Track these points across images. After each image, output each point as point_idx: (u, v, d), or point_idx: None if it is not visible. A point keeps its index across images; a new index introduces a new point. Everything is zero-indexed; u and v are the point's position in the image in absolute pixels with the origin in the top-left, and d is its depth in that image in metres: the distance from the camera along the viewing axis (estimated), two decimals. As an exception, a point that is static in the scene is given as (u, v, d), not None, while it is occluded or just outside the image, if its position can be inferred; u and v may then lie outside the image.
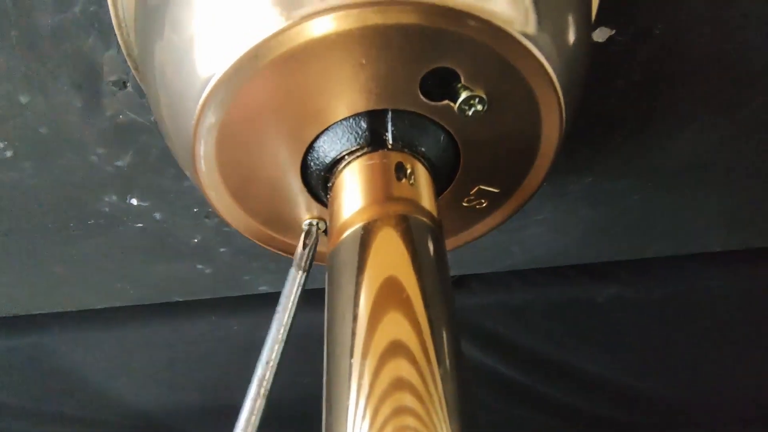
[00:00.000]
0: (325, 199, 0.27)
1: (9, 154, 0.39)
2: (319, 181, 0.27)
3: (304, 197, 0.28)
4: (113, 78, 0.35)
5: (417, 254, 0.23)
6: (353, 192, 0.25)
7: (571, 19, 0.25)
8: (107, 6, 0.30)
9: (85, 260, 0.50)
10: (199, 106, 0.22)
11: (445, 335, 0.22)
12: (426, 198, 0.25)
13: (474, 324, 0.66)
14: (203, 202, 0.29)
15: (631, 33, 0.36)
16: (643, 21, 0.36)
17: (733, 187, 0.50)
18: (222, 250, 0.50)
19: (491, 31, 0.22)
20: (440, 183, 0.28)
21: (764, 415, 0.73)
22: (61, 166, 0.40)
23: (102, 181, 0.42)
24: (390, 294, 0.22)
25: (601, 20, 0.36)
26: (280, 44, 0.21)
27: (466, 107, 0.24)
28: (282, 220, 0.30)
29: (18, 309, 0.55)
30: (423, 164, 0.26)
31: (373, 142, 0.25)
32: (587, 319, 0.66)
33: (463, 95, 0.23)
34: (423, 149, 0.25)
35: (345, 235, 0.24)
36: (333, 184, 0.26)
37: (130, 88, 0.36)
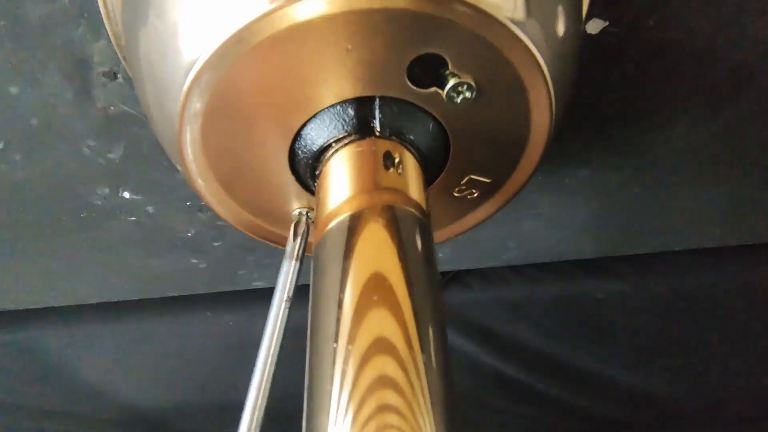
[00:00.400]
0: (313, 188, 0.27)
1: (0, 145, 0.39)
2: (308, 170, 0.26)
3: (293, 186, 0.28)
4: (104, 69, 0.35)
5: (404, 246, 0.23)
6: (340, 181, 0.25)
7: (561, 7, 0.25)
8: (95, -5, 0.29)
9: (77, 254, 0.50)
10: (184, 92, 0.22)
11: (431, 329, 0.21)
12: (414, 188, 0.25)
13: (470, 320, 0.65)
14: (196, 195, 0.29)
15: (625, 25, 0.36)
16: (637, 12, 0.36)
17: (731, 181, 0.50)
18: (216, 244, 0.50)
19: (479, 16, 0.22)
20: (430, 173, 0.28)
21: (764, 412, 0.73)
22: (53, 158, 0.40)
23: (94, 173, 0.42)
24: (375, 287, 0.21)
25: (595, 12, 0.35)
26: (265, 28, 0.21)
27: (455, 94, 0.23)
28: (272, 210, 0.30)
29: (10, 304, 0.55)
30: (412, 153, 0.26)
31: (360, 129, 0.25)
32: (585, 314, 0.66)
33: (451, 82, 0.23)
34: (411, 137, 0.25)
35: (331, 225, 0.24)
36: (320, 172, 0.26)
37: (120, 79, 0.36)
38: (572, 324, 0.67)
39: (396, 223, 0.23)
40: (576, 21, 0.28)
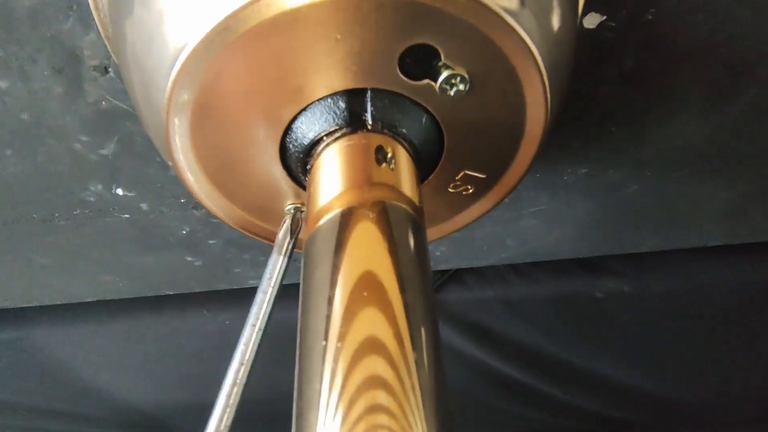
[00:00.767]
0: (305, 183, 0.27)
1: (-10, 141, 0.39)
2: (299, 164, 0.26)
3: (285, 181, 0.27)
4: (94, 63, 0.35)
5: (395, 243, 0.22)
6: (331, 176, 0.24)
7: (556, -2, 0.25)
8: (84, -13, 0.29)
9: (71, 252, 0.49)
10: (170, 83, 0.22)
11: (422, 329, 0.21)
12: (407, 184, 0.25)
13: (469, 318, 0.65)
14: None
15: (623, 19, 0.36)
16: (634, 7, 0.35)
17: (731, 179, 0.49)
18: (211, 241, 0.50)
19: (472, 5, 0.21)
20: (424, 168, 0.27)
21: (764, 412, 0.73)
22: (44, 153, 0.40)
23: (86, 169, 0.41)
24: (366, 285, 0.21)
25: (592, 6, 0.35)
26: (252, 16, 0.20)
27: (448, 86, 0.23)
28: (263, 206, 0.29)
29: (2, 302, 0.55)
30: (404, 147, 0.25)
31: (352, 122, 0.24)
32: (584, 313, 0.65)
33: (444, 74, 0.23)
34: (404, 131, 0.25)
35: (322, 221, 0.23)
36: (311, 167, 0.25)
37: (112, 73, 0.35)
38: (570, 323, 0.67)
39: (388, 220, 0.23)
40: (571, 12, 0.27)
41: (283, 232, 0.28)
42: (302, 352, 0.21)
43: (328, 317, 0.20)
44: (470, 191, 0.30)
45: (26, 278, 0.52)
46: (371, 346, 0.19)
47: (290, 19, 0.20)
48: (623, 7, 0.35)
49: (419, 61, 0.23)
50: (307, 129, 0.24)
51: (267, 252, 0.51)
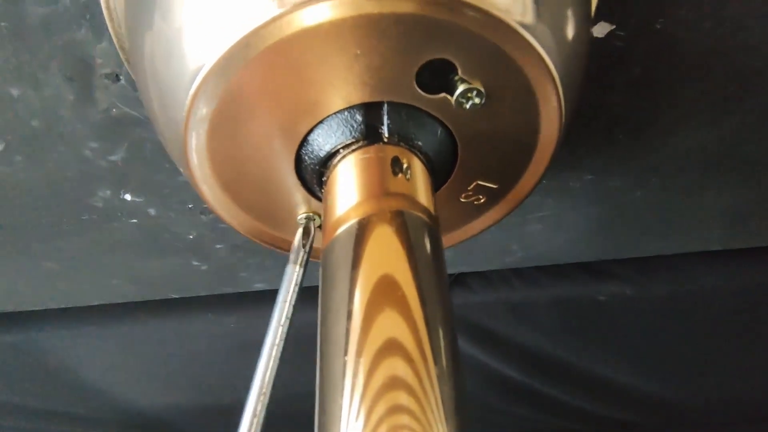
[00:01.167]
0: (319, 194, 0.27)
1: (0, 147, 0.39)
2: (314, 176, 0.26)
3: (299, 192, 0.27)
4: (106, 71, 0.35)
5: (413, 251, 0.22)
6: (348, 187, 0.24)
7: (570, 11, 0.25)
8: (98, -4, 0.29)
9: (78, 256, 0.49)
10: (189, 98, 0.22)
11: (441, 333, 0.21)
12: (422, 193, 0.25)
13: (473, 322, 0.65)
14: (198, 197, 0.28)
15: (632, 28, 0.36)
16: (643, 16, 0.35)
17: (735, 185, 0.50)
18: (218, 246, 0.50)
19: (489, 21, 0.21)
20: (437, 178, 0.28)
21: (764, 414, 0.73)
22: (54, 160, 0.40)
23: (95, 175, 0.41)
24: (385, 292, 0.21)
25: (602, 15, 0.35)
26: (272, 33, 0.20)
27: (464, 100, 0.23)
28: (276, 216, 0.29)
29: (11, 305, 0.55)
30: (420, 159, 0.25)
31: (368, 135, 0.24)
32: (587, 317, 0.66)
33: (461, 88, 0.23)
34: (420, 143, 0.25)
35: (339, 231, 0.23)
36: (328, 178, 0.25)
37: (123, 81, 0.35)
38: (573, 325, 0.67)
39: (405, 228, 0.23)
40: (585, 25, 0.27)
41: (297, 242, 0.29)
42: (323, 368, 0.21)
43: (348, 331, 0.21)
44: (482, 201, 0.30)
45: (33, 282, 0.52)
46: (391, 348, 0.20)
47: (311, 35, 0.20)
48: (632, 17, 0.35)
49: (436, 75, 0.23)
50: (323, 141, 0.25)
51: (273, 256, 0.52)
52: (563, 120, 0.25)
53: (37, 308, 0.56)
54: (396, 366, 0.19)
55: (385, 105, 0.24)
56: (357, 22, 0.20)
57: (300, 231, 0.29)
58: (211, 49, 0.21)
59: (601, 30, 0.36)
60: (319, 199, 0.27)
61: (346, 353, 0.20)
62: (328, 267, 0.23)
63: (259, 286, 0.56)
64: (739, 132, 0.44)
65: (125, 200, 0.44)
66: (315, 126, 0.24)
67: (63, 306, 0.56)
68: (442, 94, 0.23)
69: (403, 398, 0.19)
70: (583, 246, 0.56)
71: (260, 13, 0.20)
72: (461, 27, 0.21)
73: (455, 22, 0.21)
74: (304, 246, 0.29)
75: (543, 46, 0.23)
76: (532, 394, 0.71)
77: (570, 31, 0.25)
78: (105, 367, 0.64)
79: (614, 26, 0.36)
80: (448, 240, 0.32)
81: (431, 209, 0.25)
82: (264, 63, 0.21)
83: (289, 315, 0.28)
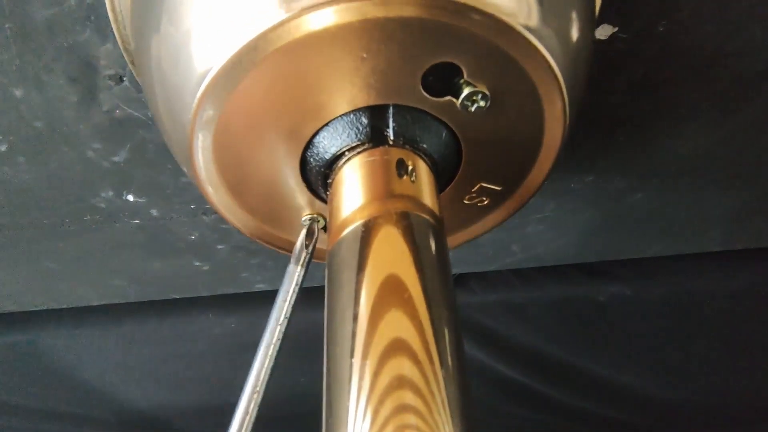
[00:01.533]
0: (324, 196, 0.27)
1: (3, 148, 0.39)
2: (319, 178, 0.26)
3: (304, 194, 0.28)
4: (110, 72, 0.35)
5: (418, 252, 0.23)
6: (353, 189, 0.25)
7: (574, 14, 0.25)
8: (103, -2, 0.29)
9: (80, 256, 0.49)
10: (196, 100, 0.22)
11: (447, 333, 0.21)
12: (427, 195, 0.25)
13: (474, 323, 0.65)
14: (200, 198, 0.28)
15: (634, 30, 0.36)
16: (646, 19, 0.35)
17: (735, 187, 0.50)
18: (219, 247, 0.50)
19: (494, 25, 0.21)
20: (442, 180, 0.28)
21: (764, 414, 0.73)
22: (57, 161, 0.40)
23: (98, 176, 0.41)
24: (391, 292, 0.21)
25: (604, 17, 0.35)
26: (280, 37, 0.20)
27: (469, 103, 0.23)
28: (281, 217, 0.29)
29: (13, 305, 0.55)
30: (424, 161, 0.26)
31: (374, 138, 0.24)
32: (587, 317, 0.66)
33: (466, 91, 0.23)
34: (425, 146, 0.25)
35: (345, 232, 0.24)
36: (333, 180, 0.25)
37: (126, 83, 0.35)
38: (573, 326, 0.67)
39: (410, 229, 0.23)
40: (589, 28, 0.28)
41: (300, 243, 0.29)
42: (329, 370, 0.21)
43: (355, 319, 0.21)
44: (485, 203, 0.30)
45: (35, 282, 0.52)
46: (398, 348, 0.20)
47: (318, 39, 0.20)
48: (635, 20, 0.35)
49: (442, 79, 0.23)
50: (329, 144, 0.25)
51: (274, 257, 0.52)
52: (567, 123, 0.26)
53: (38, 308, 0.56)
54: (402, 365, 0.20)
55: (391, 108, 0.24)
56: (363, 26, 0.20)
57: (303, 232, 0.29)
58: (218, 52, 0.21)
59: (604, 32, 0.36)
60: (324, 201, 0.27)
61: (352, 355, 0.20)
62: (334, 268, 0.23)
63: (260, 287, 0.56)
64: (739, 134, 0.44)
65: (128, 201, 0.44)
66: (321, 128, 0.24)
67: (64, 306, 0.56)
68: (448, 97, 0.23)
69: (409, 398, 0.19)
70: (584, 247, 0.56)
71: (268, 17, 0.20)
72: (467, 31, 0.21)
73: (461, 26, 0.21)
74: (306, 247, 0.29)
75: (548, 50, 0.23)
76: (531, 395, 0.71)
77: (574, 34, 0.25)
78: (106, 367, 0.64)
79: (617, 29, 0.36)
80: (451, 241, 0.32)
81: (436, 210, 0.25)
82: (271, 66, 0.21)
83: (288, 315, 0.29)
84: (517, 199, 0.30)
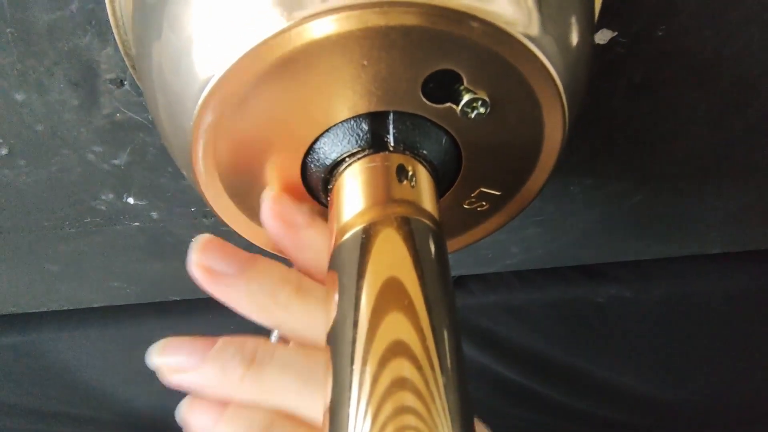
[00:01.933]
0: (325, 201, 0.27)
1: (4, 151, 0.39)
2: (319, 183, 0.26)
3: (304, 200, 0.28)
4: (110, 76, 0.35)
5: (418, 256, 0.23)
6: (354, 194, 0.25)
7: (574, 21, 0.25)
8: (104, 4, 0.29)
9: (80, 259, 0.49)
10: (197, 107, 0.22)
11: (447, 338, 0.21)
12: (427, 200, 0.25)
13: (473, 324, 0.66)
14: (201, 201, 0.28)
15: (633, 35, 0.36)
16: (645, 23, 0.36)
17: (734, 190, 0.50)
18: (219, 249, 0.50)
19: (494, 33, 0.21)
20: (442, 185, 0.28)
21: (764, 416, 0.74)
22: (57, 164, 0.40)
23: (98, 179, 0.42)
24: (391, 297, 0.21)
25: (604, 22, 0.35)
26: (281, 45, 0.20)
27: (469, 110, 0.23)
28: (281, 222, 0.30)
29: (12, 307, 0.55)
30: (424, 166, 0.26)
31: (374, 144, 0.25)
32: (587, 319, 0.66)
33: (466, 98, 0.23)
34: (425, 151, 0.25)
35: (345, 237, 0.24)
36: (333, 186, 0.26)
37: (127, 86, 0.36)
38: (572, 327, 0.68)
39: (410, 234, 0.23)
40: (588, 33, 0.28)
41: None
42: (332, 360, 0.21)
43: (355, 325, 0.21)
44: (485, 207, 0.30)
45: (34, 285, 0.52)
46: (397, 351, 0.20)
47: (318, 46, 0.21)
48: (634, 24, 0.35)
49: (442, 85, 0.23)
50: (329, 150, 0.25)
51: (275, 259, 0.52)
52: (567, 128, 0.26)
53: (38, 310, 0.56)
54: (402, 368, 0.20)
55: (391, 114, 0.24)
56: (364, 35, 0.21)
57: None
58: (219, 59, 0.21)
59: (603, 37, 0.36)
60: (325, 206, 0.28)
61: (352, 362, 0.20)
62: (334, 275, 0.23)
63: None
64: (738, 137, 0.44)
65: (128, 204, 0.44)
66: (321, 134, 0.25)
67: (65, 308, 0.56)
68: (448, 104, 0.24)
69: (409, 399, 0.19)
70: (583, 249, 0.56)
71: (269, 25, 0.20)
72: (467, 38, 0.21)
73: (461, 34, 0.21)
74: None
75: (547, 57, 0.23)
76: (530, 396, 0.71)
77: (574, 41, 0.25)
78: (106, 369, 0.64)
79: (616, 33, 0.36)
80: (451, 245, 0.33)
81: (436, 215, 0.25)
82: (272, 74, 0.21)
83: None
84: (517, 204, 0.30)
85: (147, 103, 0.29)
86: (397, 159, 0.25)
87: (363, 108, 0.23)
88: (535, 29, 0.22)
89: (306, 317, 0.25)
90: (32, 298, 0.54)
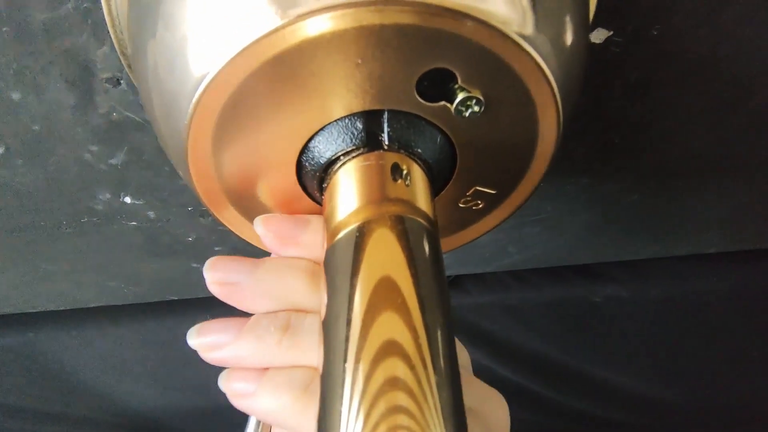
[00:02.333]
0: (320, 200, 0.27)
1: (1, 150, 0.39)
2: (314, 182, 0.26)
3: (300, 198, 0.28)
4: (107, 75, 0.35)
5: (412, 255, 0.23)
6: (348, 193, 0.25)
7: (568, 20, 0.25)
8: (100, 3, 0.29)
9: (78, 258, 0.49)
10: (192, 106, 0.22)
11: (440, 337, 0.21)
12: (422, 199, 0.25)
13: (469, 324, 0.66)
14: (197, 200, 0.29)
15: (629, 34, 0.36)
16: (640, 22, 0.36)
17: (730, 189, 0.50)
18: (217, 249, 0.50)
19: (488, 31, 0.21)
20: (437, 184, 0.28)
21: (761, 416, 0.74)
22: (54, 163, 0.40)
23: (95, 179, 0.42)
24: (385, 296, 0.22)
25: (599, 21, 0.35)
26: (275, 43, 0.20)
27: (463, 108, 0.23)
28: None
29: (10, 307, 0.55)
30: (419, 165, 0.26)
31: (368, 142, 0.25)
32: (584, 319, 0.66)
33: (460, 96, 0.23)
34: (419, 150, 0.25)
35: (339, 236, 0.24)
36: (328, 184, 0.26)
37: (123, 86, 0.36)
38: (569, 327, 0.68)
39: (405, 233, 0.23)
40: (583, 32, 0.28)
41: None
42: (325, 359, 0.21)
43: (348, 324, 0.21)
44: (480, 206, 0.30)
45: (32, 284, 0.52)
46: (390, 350, 0.20)
47: (313, 45, 0.21)
48: (629, 23, 0.36)
49: (436, 84, 0.23)
50: (324, 148, 0.25)
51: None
52: (561, 127, 0.26)
53: (35, 310, 0.56)
54: (395, 367, 0.20)
55: (386, 113, 0.24)
56: (359, 33, 0.21)
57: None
58: (214, 58, 0.21)
59: (598, 36, 0.36)
60: (320, 205, 0.28)
61: (345, 360, 0.20)
62: (328, 272, 0.23)
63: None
64: (735, 136, 0.44)
65: (125, 203, 0.44)
66: (316, 133, 0.25)
67: (62, 308, 0.56)
68: (442, 103, 0.24)
69: (401, 399, 0.19)
70: (580, 248, 0.56)
71: (263, 23, 0.20)
72: (462, 37, 0.21)
73: (456, 33, 0.21)
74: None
75: (541, 56, 0.23)
76: (528, 396, 0.71)
77: (568, 40, 0.25)
78: (103, 369, 0.64)
79: (611, 32, 0.36)
80: (446, 244, 0.33)
81: (430, 214, 0.25)
82: (266, 72, 0.21)
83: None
84: (512, 202, 0.30)
85: (143, 102, 0.29)
86: (392, 158, 0.25)
87: (357, 106, 0.23)
88: (529, 28, 0.22)
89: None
90: (29, 298, 0.54)
